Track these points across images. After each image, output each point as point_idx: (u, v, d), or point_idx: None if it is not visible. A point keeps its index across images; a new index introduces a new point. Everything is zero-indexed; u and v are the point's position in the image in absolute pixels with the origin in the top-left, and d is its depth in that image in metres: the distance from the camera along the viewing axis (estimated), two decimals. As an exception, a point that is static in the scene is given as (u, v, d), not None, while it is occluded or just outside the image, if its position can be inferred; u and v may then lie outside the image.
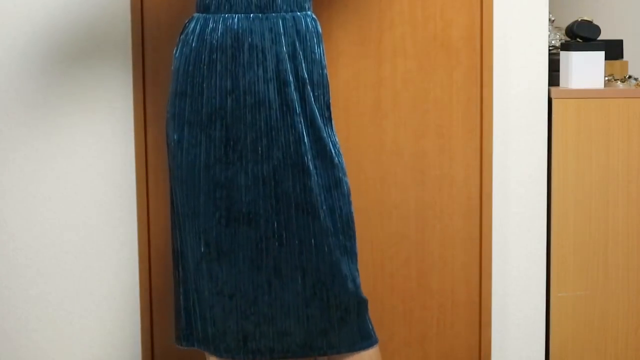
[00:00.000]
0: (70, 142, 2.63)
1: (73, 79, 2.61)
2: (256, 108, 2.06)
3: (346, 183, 2.13)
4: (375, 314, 2.67)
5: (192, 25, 2.12)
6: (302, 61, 2.08)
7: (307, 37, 2.10)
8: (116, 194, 2.64)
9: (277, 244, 2.08)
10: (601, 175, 2.72)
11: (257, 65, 2.06)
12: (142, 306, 2.64)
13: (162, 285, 2.64)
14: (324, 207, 2.08)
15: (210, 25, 2.08)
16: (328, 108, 2.14)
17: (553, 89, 2.72)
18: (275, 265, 2.08)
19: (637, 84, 2.81)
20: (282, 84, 2.06)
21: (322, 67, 2.12)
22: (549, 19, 2.80)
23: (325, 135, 2.10)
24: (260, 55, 2.06)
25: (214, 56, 2.07)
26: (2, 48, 2.60)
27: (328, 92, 2.14)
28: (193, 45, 2.09)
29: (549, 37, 2.85)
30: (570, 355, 2.75)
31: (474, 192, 2.68)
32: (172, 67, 2.13)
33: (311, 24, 2.11)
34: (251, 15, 2.07)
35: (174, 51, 2.14)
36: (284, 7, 2.09)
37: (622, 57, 2.97)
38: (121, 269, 2.66)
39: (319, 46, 2.12)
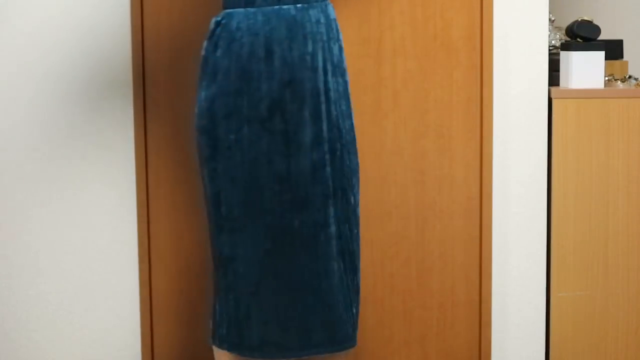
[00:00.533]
0: (70, 142, 2.63)
1: (73, 79, 2.61)
2: (309, 97, 2.09)
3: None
4: (375, 314, 2.67)
5: (233, 21, 2.09)
6: (333, 48, 2.14)
7: (334, 26, 2.16)
8: (116, 194, 2.64)
9: (327, 229, 2.11)
10: (601, 175, 2.72)
11: (308, 55, 2.09)
12: (142, 306, 2.64)
13: (162, 285, 2.63)
14: (352, 192, 2.16)
15: (260, 19, 2.08)
16: (348, 91, 2.21)
17: (553, 89, 2.72)
18: (326, 250, 2.11)
19: (637, 84, 2.81)
20: (325, 72, 2.11)
21: (343, 53, 2.18)
22: (549, 19, 2.79)
23: (351, 121, 2.18)
24: (310, 44, 2.10)
25: (271, 48, 2.08)
26: (2, 48, 2.60)
27: (347, 77, 2.21)
28: (244, 40, 2.07)
29: (549, 37, 2.85)
30: (570, 355, 2.75)
31: (474, 192, 2.68)
32: (213, 68, 2.09)
33: (333, 12, 2.17)
34: (299, 5, 2.10)
35: (210, 52, 2.10)
36: None
37: (622, 57, 2.97)
38: (121, 269, 2.66)
39: (340, 33, 2.18)
